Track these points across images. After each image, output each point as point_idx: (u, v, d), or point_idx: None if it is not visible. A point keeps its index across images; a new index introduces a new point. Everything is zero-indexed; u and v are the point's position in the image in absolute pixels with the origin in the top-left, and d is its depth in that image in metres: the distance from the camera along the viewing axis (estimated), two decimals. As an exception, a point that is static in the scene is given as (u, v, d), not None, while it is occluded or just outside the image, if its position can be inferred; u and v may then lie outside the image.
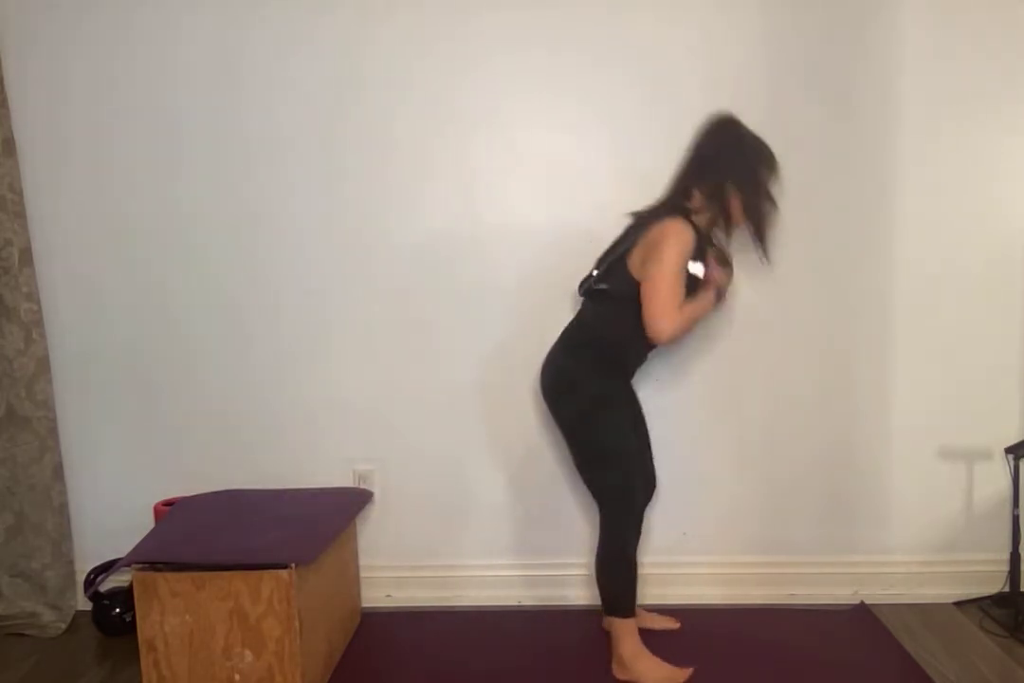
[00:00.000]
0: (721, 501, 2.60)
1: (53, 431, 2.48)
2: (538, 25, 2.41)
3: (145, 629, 1.93)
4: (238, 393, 2.54)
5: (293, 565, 1.90)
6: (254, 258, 2.50)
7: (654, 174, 2.46)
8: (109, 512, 2.57)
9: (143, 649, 1.94)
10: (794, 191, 2.47)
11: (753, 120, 2.43)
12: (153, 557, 1.95)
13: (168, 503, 2.45)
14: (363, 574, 2.57)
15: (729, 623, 2.44)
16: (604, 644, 2.31)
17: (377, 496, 2.57)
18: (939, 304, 2.51)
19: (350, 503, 2.38)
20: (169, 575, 1.91)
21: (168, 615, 1.92)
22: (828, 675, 2.14)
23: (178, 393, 2.55)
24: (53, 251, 2.48)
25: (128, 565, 1.95)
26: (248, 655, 1.92)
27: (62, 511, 2.51)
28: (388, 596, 2.60)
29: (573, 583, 2.58)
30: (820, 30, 2.41)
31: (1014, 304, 2.51)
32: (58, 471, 2.49)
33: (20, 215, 2.39)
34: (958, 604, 2.54)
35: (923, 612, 2.50)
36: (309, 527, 2.11)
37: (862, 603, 2.55)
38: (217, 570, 1.90)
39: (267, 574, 1.90)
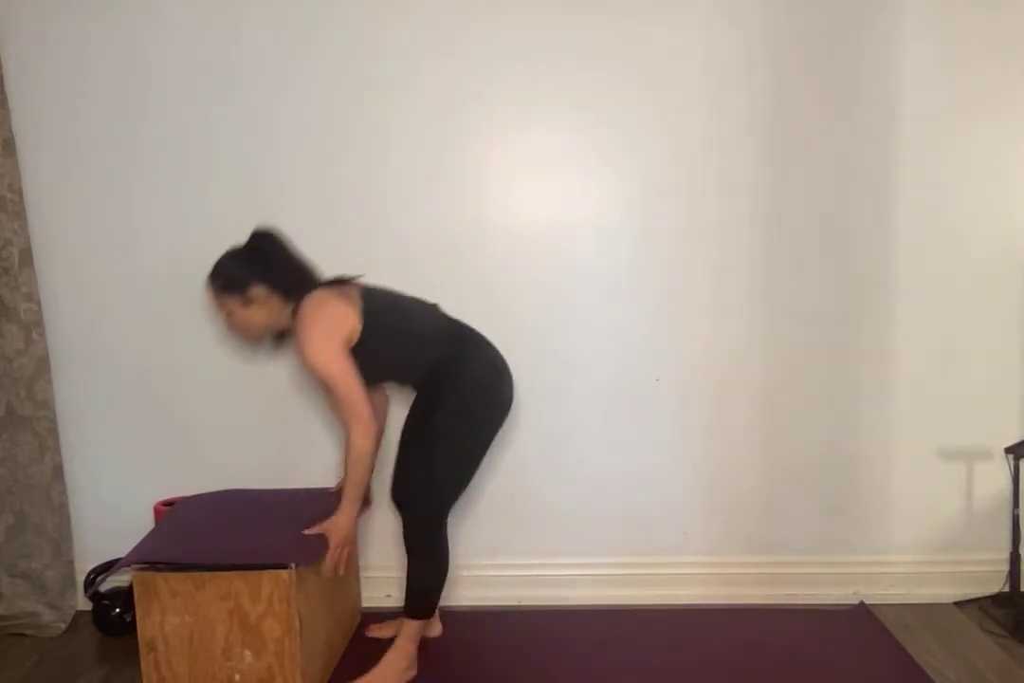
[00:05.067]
0: (721, 501, 2.60)
1: (53, 431, 2.48)
2: (539, 27, 2.41)
3: (145, 629, 1.93)
4: (238, 393, 2.54)
5: (293, 566, 1.90)
6: (254, 258, 2.50)
7: (655, 173, 2.48)
8: (109, 512, 2.57)
9: (143, 649, 1.93)
10: (794, 191, 2.48)
11: (754, 121, 2.45)
12: (153, 557, 1.94)
13: (168, 503, 2.45)
14: (363, 574, 2.57)
15: (729, 623, 2.44)
16: (605, 644, 2.31)
17: (376, 496, 2.56)
18: (939, 304, 2.51)
19: None
20: (169, 575, 1.90)
21: (168, 615, 1.91)
22: (828, 675, 2.14)
23: (178, 393, 2.55)
24: (53, 251, 2.48)
25: (128, 565, 1.95)
26: (248, 655, 1.92)
27: (62, 511, 2.51)
28: (388, 596, 2.60)
29: (573, 583, 2.58)
30: (821, 31, 2.41)
31: (1014, 304, 2.51)
32: (58, 471, 2.49)
33: (20, 215, 2.39)
34: (958, 604, 2.54)
35: (923, 612, 2.50)
36: (307, 526, 2.10)
37: (862, 603, 2.55)
38: (217, 570, 1.90)
39: (267, 574, 1.89)
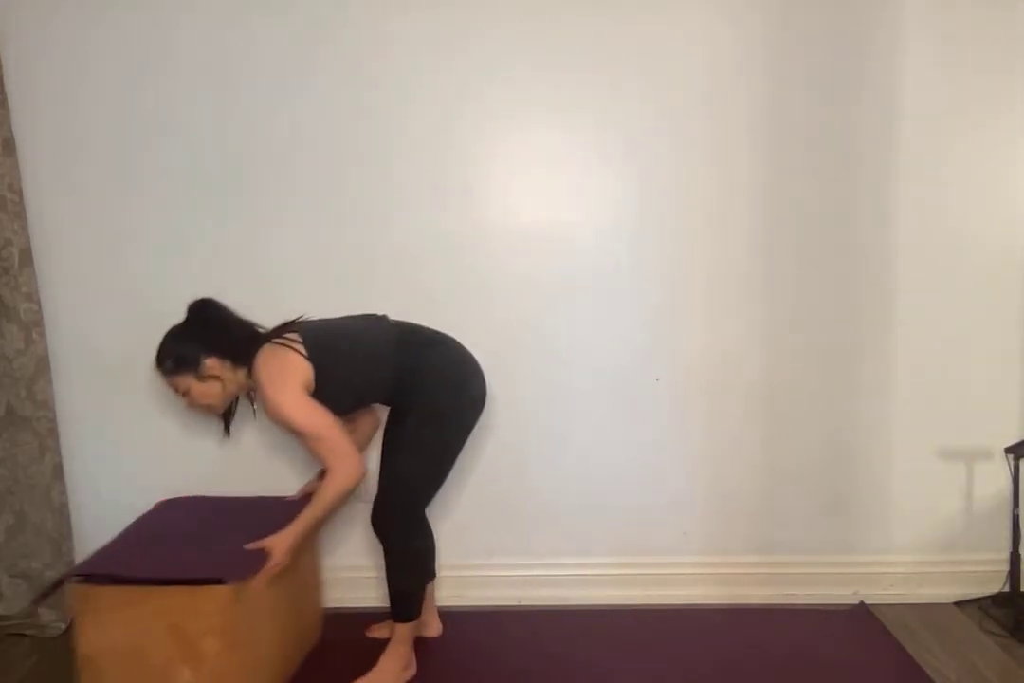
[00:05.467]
0: (721, 501, 2.60)
1: (53, 431, 2.48)
2: (540, 27, 2.41)
3: (83, 644, 1.86)
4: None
5: (233, 581, 1.83)
6: (255, 257, 2.50)
7: (655, 173, 2.48)
8: (109, 512, 2.55)
9: (81, 665, 1.86)
10: (795, 192, 2.48)
11: (754, 121, 2.45)
12: (92, 570, 1.88)
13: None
14: (362, 574, 2.57)
15: (729, 623, 2.44)
16: (604, 644, 2.31)
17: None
18: (939, 304, 2.51)
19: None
20: (108, 589, 1.84)
21: (107, 630, 1.85)
22: (828, 675, 2.14)
23: (178, 393, 2.54)
24: (53, 251, 2.48)
25: (70, 579, 1.90)
26: (187, 672, 1.85)
27: (62, 511, 2.51)
28: (388, 596, 2.60)
29: (573, 583, 2.58)
30: (821, 31, 2.41)
31: (1014, 304, 2.51)
32: (58, 471, 2.49)
33: (20, 215, 2.39)
34: (958, 604, 2.55)
35: (923, 612, 2.50)
36: (258, 540, 2.02)
37: (862, 603, 2.55)
38: (156, 585, 1.83)
39: (206, 590, 1.82)
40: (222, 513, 2.25)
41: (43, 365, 2.45)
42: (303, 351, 2.00)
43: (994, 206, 2.48)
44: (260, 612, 1.99)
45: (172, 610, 1.83)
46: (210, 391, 2.04)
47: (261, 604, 1.99)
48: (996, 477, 2.54)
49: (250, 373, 2.03)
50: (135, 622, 1.84)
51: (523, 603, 2.59)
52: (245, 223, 2.49)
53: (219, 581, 1.82)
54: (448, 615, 2.46)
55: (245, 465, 2.54)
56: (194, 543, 2.02)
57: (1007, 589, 2.47)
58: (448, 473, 2.16)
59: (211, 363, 2.02)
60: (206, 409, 2.11)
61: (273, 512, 2.22)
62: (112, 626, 1.85)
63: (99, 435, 2.57)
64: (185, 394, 2.06)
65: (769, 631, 2.38)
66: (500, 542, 2.60)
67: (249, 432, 2.55)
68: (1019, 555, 2.45)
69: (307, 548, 2.33)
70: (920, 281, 2.50)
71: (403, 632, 2.15)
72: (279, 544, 1.97)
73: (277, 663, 2.12)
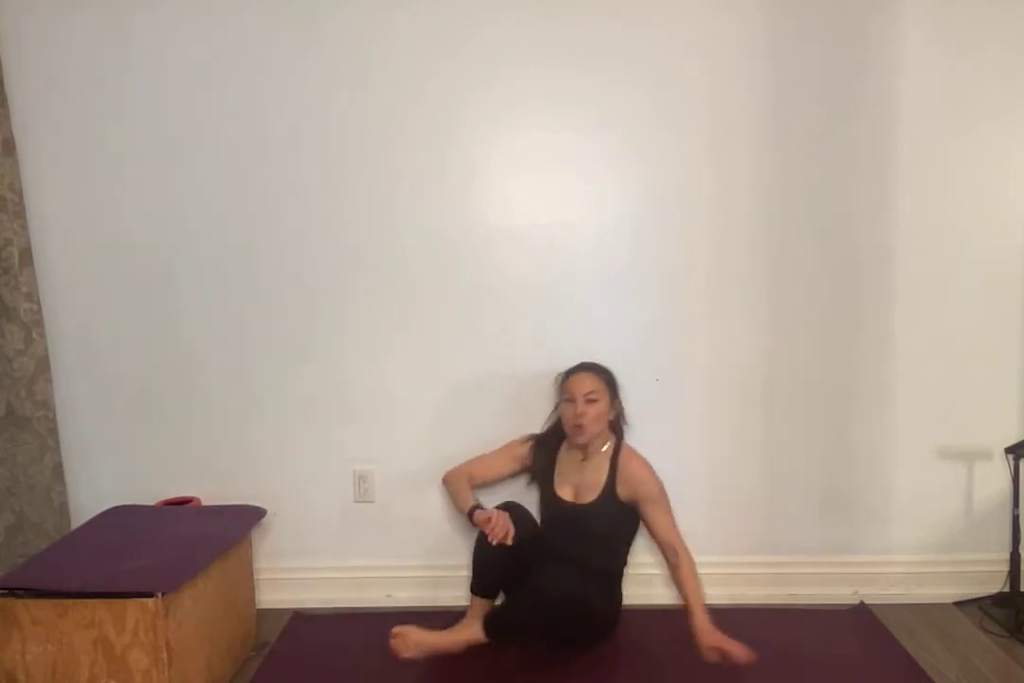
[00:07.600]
0: (721, 501, 2.60)
1: (53, 431, 2.48)
2: (540, 27, 2.41)
3: (5, 659, 1.80)
4: (238, 393, 2.54)
5: (160, 594, 1.79)
6: (255, 258, 2.50)
7: (656, 174, 2.48)
8: (109, 512, 2.57)
9: (2, 680, 1.81)
10: (795, 192, 2.48)
11: (755, 121, 2.46)
12: (11, 583, 1.85)
13: (168, 503, 2.45)
14: (363, 574, 2.57)
15: (729, 623, 2.42)
16: (605, 644, 2.31)
17: (377, 496, 2.57)
18: (939, 304, 2.51)
19: (240, 523, 2.28)
20: (29, 601, 1.79)
21: (29, 644, 1.80)
22: (828, 675, 2.14)
23: (178, 393, 2.55)
24: (53, 251, 2.48)
25: None
26: None
27: (62, 511, 2.51)
28: (388, 596, 2.60)
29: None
30: (822, 31, 2.42)
31: (1014, 304, 2.52)
32: (58, 471, 2.49)
33: (20, 215, 2.39)
34: (958, 604, 2.55)
35: (923, 612, 2.50)
36: (188, 551, 2.01)
37: (862, 603, 2.55)
38: (80, 597, 1.79)
39: (132, 603, 1.78)
40: (162, 523, 2.21)
41: (43, 365, 2.45)
42: None
43: (995, 206, 2.48)
44: (191, 624, 1.93)
45: (98, 624, 1.79)
46: (600, 420, 2.31)
47: (192, 618, 1.94)
48: (996, 477, 2.54)
49: (617, 449, 2.36)
50: (60, 636, 1.80)
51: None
52: (244, 223, 2.49)
53: (148, 594, 1.78)
54: (450, 615, 2.45)
55: (244, 464, 2.55)
56: (127, 554, 1.97)
57: (1007, 589, 2.47)
58: None
59: (618, 407, 2.39)
60: (588, 423, 2.28)
61: (211, 522, 2.21)
62: (35, 640, 1.80)
63: (99, 435, 2.57)
64: (591, 402, 2.28)
65: (769, 631, 2.37)
66: (500, 542, 2.60)
67: (252, 433, 2.55)
68: (1019, 555, 2.45)
69: (239, 561, 2.29)
70: (920, 281, 2.50)
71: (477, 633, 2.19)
72: (710, 634, 2.15)
73: (210, 674, 2.06)
